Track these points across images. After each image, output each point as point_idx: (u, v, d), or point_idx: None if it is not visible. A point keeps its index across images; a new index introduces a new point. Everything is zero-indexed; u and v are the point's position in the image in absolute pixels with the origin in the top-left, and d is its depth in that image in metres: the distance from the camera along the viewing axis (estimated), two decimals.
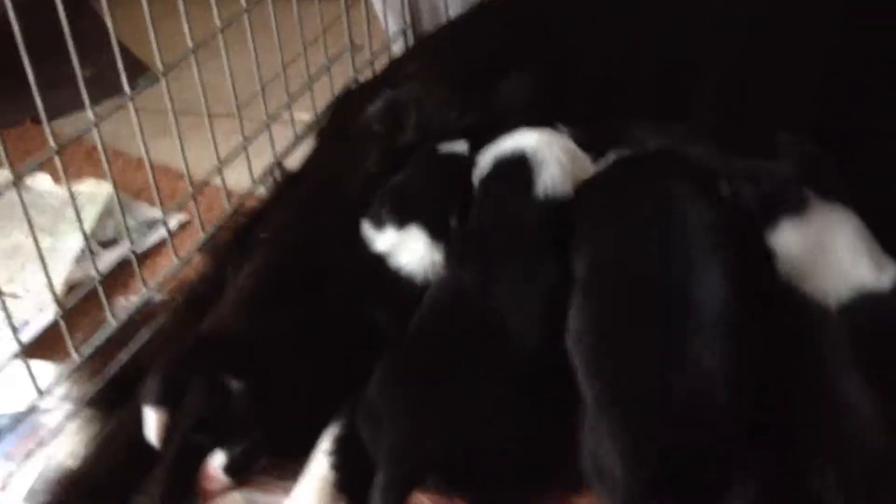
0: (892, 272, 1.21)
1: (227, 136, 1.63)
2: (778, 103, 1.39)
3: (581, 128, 1.42)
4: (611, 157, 1.31)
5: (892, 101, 1.37)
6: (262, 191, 1.64)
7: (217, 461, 1.17)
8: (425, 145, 1.43)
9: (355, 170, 1.44)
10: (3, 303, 1.24)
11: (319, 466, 1.15)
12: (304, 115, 1.79)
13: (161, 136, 1.54)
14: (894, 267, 1.22)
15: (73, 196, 1.34)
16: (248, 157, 1.63)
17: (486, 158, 1.36)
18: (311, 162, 1.60)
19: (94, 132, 1.37)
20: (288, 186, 1.53)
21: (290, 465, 1.20)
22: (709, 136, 1.36)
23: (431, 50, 1.68)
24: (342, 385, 1.23)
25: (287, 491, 1.17)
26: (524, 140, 1.34)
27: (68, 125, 1.99)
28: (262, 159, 1.69)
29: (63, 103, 1.57)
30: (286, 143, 1.75)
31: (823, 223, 1.22)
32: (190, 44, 1.49)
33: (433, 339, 1.22)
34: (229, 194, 1.61)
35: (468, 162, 1.39)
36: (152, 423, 1.12)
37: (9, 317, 1.26)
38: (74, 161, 2.06)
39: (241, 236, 1.47)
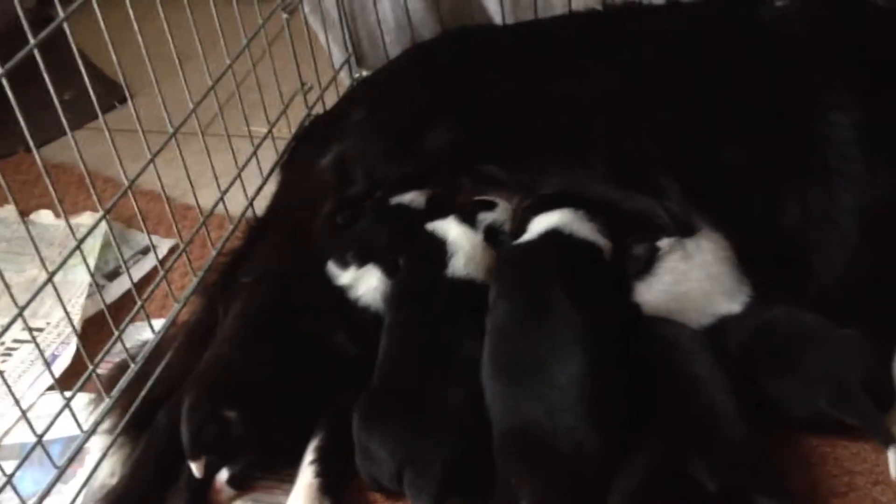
0: (742, 297, 1.55)
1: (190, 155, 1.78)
2: (654, 142, 1.69)
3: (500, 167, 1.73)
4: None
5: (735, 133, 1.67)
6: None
7: (223, 476, 1.49)
8: (377, 195, 1.74)
9: (315, 217, 1.74)
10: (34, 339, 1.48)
11: (306, 474, 1.48)
12: (261, 129, 2.01)
13: (140, 158, 1.64)
14: (745, 291, 1.56)
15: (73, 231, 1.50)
16: (242, 183, 1.89)
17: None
18: (276, 205, 1.90)
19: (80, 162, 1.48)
20: (260, 230, 1.83)
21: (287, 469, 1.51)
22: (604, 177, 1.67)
23: (371, 98, 1.96)
24: (318, 402, 1.56)
25: (285, 491, 1.48)
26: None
27: (59, 151, 2.26)
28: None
29: (49, 129, 1.76)
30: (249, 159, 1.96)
31: (681, 274, 1.56)
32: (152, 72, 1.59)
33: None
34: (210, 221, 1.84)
35: (413, 211, 1.71)
36: (197, 469, 1.44)
37: (41, 353, 1.50)
38: (70, 190, 2.31)
39: (226, 278, 1.77)
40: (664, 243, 1.57)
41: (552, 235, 1.58)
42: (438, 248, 1.63)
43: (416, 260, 1.65)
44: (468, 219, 1.66)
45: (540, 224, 1.60)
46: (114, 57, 1.51)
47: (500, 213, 1.69)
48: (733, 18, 1.81)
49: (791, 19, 1.77)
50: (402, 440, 1.41)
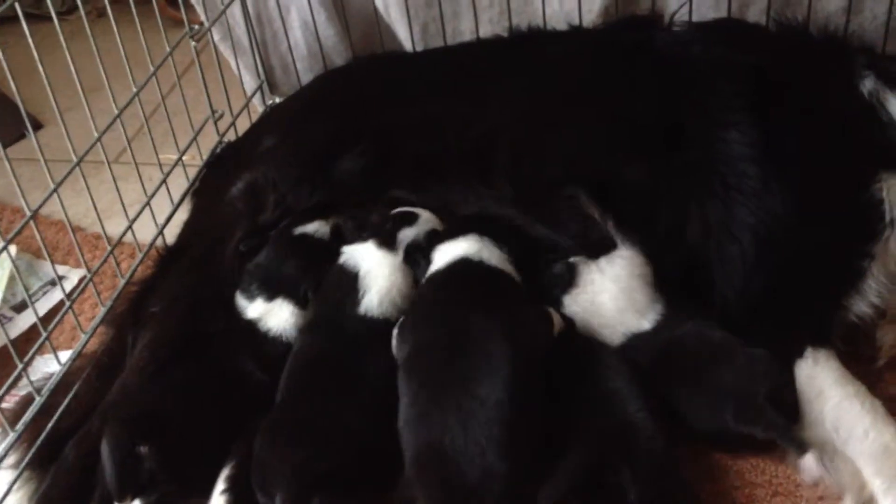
0: (653, 315, 1.60)
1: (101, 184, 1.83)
2: (558, 164, 1.73)
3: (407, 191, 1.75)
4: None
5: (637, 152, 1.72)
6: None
7: None
8: (282, 226, 1.73)
9: (225, 246, 1.74)
10: None
11: None
12: (172, 157, 2.02)
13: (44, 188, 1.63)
14: (656, 309, 1.60)
15: None
16: (152, 211, 1.89)
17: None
18: (187, 234, 1.89)
19: None
20: (170, 259, 1.81)
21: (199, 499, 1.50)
22: (510, 199, 1.70)
23: (282, 125, 1.96)
24: (229, 431, 1.55)
25: None
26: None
27: None
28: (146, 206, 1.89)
29: None
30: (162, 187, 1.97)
31: (598, 285, 1.61)
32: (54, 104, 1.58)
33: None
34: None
35: (319, 242, 1.71)
36: None
37: None
38: None
39: (136, 307, 1.75)
40: (577, 259, 1.61)
41: (462, 263, 1.58)
42: (350, 283, 1.62)
43: (326, 294, 1.64)
44: (387, 242, 1.65)
45: (447, 253, 1.60)
46: (13, 86, 1.50)
47: (421, 226, 1.68)
48: (634, 43, 1.86)
49: (688, 43, 1.83)
50: (298, 453, 1.43)
